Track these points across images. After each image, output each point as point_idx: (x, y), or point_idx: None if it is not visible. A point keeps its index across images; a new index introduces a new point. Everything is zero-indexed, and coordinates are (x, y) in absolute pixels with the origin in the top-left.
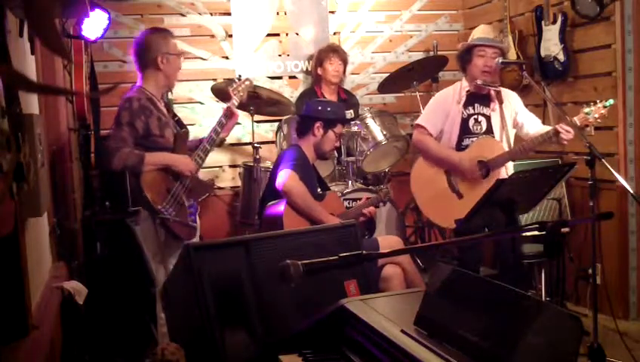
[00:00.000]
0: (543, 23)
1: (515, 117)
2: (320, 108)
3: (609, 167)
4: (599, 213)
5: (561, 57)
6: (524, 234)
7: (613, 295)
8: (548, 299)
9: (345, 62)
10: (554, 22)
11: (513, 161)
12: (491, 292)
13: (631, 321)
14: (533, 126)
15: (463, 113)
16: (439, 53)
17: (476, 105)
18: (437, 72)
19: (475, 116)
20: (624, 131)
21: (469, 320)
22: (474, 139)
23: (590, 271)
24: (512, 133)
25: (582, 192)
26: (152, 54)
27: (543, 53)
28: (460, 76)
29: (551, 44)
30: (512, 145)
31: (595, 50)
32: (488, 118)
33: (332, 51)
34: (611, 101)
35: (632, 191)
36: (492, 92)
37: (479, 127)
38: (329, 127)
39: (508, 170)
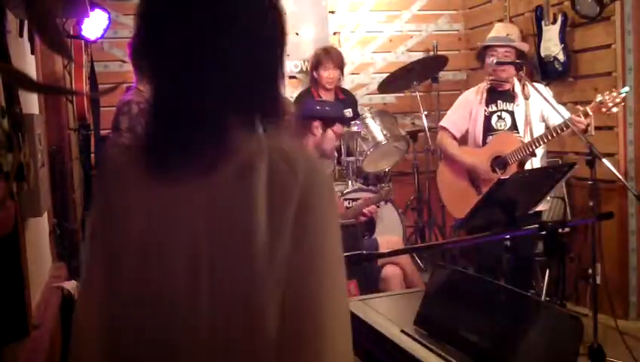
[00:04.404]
0: (543, 22)
1: (542, 111)
2: (318, 107)
3: (610, 166)
4: (599, 213)
5: (561, 57)
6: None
7: (613, 295)
8: (548, 299)
9: (341, 67)
10: (554, 22)
11: (533, 155)
12: (491, 292)
13: (631, 321)
14: (557, 119)
15: (485, 111)
16: (439, 53)
17: (499, 102)
18: (437, 72)
19: (499, 113)
20: (624, 131)
21: (469, 320)
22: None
23: (590, 271)
24: (539, 127)
25: (582, 192)
26: None
27: (543, 53)
28: (461, 76)
29: (551, 44)
30: None
31: (595, 50)
32: (512, 114)
33: (326, 56)
34: (627, 88)
35: (631, 189)
36: (517, 88)
37: (503, 124)
38: (328, 126)
39: (533, 164)
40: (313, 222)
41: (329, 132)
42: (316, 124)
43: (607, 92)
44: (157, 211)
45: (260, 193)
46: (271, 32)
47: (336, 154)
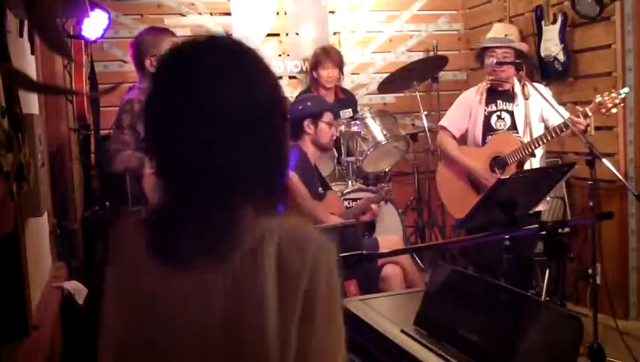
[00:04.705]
0: (543, 22)
1: (541, 111)
2: (301, 107)
3: (610, 166)
4: (599, 213)
5: (561, 57)
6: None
7: (613, 295)
8: (548, 299)
9: (340, 66)
10: (554, 22)
11: (533, 155)
12: (491, 293)
13: (631, 321)
14: (557, 119)
15: (485, 111)
16: (439, 53)
17: (499, 101)
18: (437, 72)
19: (498, 113)
20: (624, 131)
21: (469, 320)
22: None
23: (590, 271)
24: (539, 127)
25: (582, 192)
26: (142, 56)
27: (543, 53)
28: (461, 76)
29: (551, 44)
30: None
31: (595, 50)
32: (512, 114)
33: (325, 56)
34: (626, 89)
35: (631, 189)
36: (516, 88)
37: (503, 124)
38: (318, 120)
39: (533, 164)
40: (319, 304)
41: (321, 125)
42: (307, 122)
43: (607, 93)
44: (164, 297)
45: (270, 278)
46: (268, 102)
47: (336, 153)
